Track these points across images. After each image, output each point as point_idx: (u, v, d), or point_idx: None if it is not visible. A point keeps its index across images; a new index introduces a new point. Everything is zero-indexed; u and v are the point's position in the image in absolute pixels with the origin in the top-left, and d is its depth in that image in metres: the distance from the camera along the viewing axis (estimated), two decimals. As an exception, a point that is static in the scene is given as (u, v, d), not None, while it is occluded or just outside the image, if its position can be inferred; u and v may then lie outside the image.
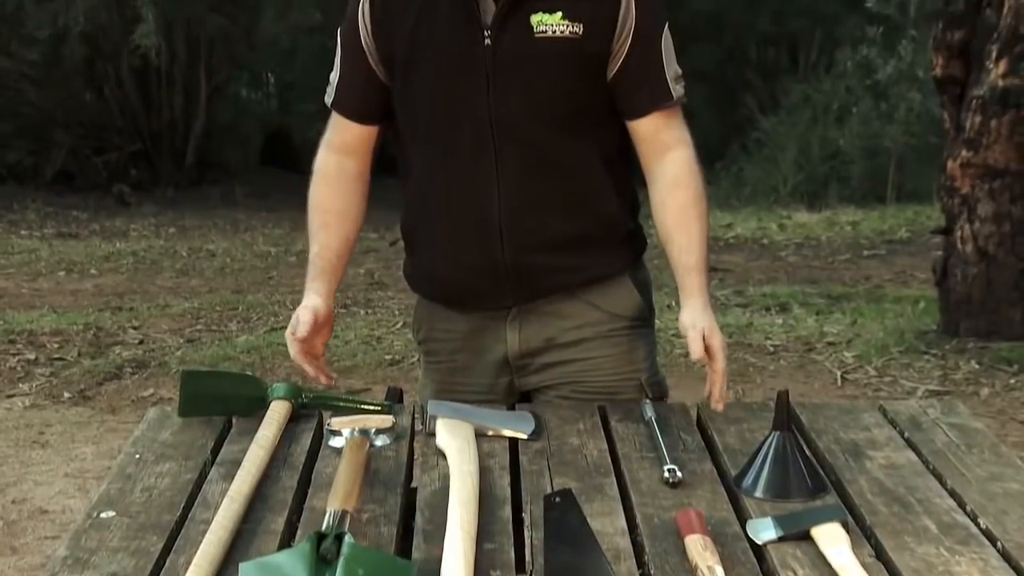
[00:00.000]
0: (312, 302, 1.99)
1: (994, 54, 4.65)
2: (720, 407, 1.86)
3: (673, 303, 5.74)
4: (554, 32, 1.87)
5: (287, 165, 13.48)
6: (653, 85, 1.92)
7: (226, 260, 8.00)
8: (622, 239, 2.04)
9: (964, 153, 4.78)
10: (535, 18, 1.87)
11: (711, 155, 10.81)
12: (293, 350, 1.98)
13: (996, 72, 4.64)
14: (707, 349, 1.84)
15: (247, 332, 5.64)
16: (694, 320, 1.87)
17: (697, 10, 13.74)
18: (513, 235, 1.94)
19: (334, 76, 2.03)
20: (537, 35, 1.87)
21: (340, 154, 2.06)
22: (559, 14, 1.87)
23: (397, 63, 1.95)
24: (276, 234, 9.26)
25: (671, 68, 1.94)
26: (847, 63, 11.02)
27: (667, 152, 1.95)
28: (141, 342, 5.50)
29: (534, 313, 2.02)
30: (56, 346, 5.43)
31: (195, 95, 11.85)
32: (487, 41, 1.88)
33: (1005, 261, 4.83)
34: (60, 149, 11.52)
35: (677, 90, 1.94)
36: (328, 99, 2.05)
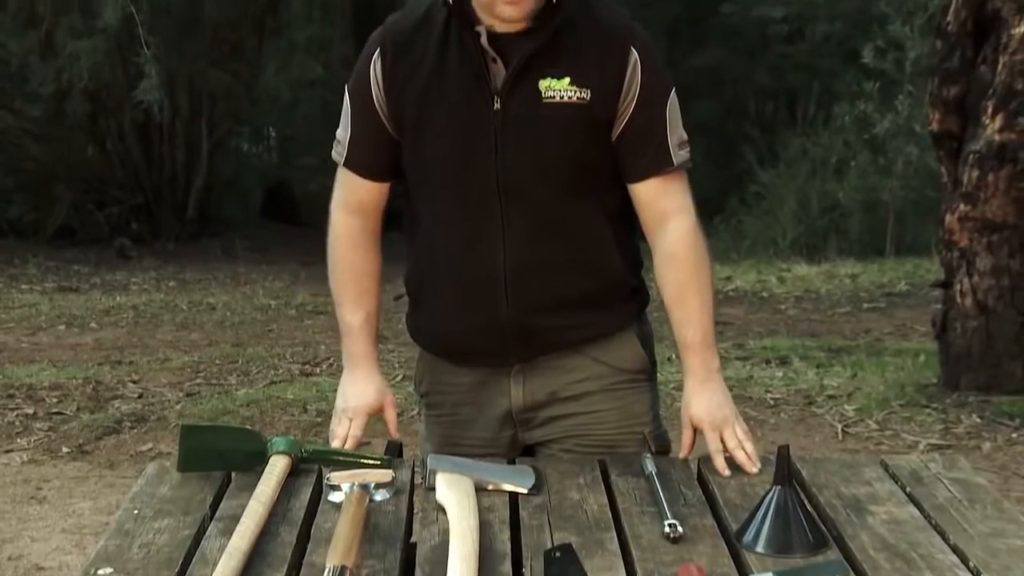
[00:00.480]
0: (388, 396, 2.07)
1: (990, 110, 4.68)
2: (754, 469, 1.89)
3: (674, 356, 5.73)
4: (562, 97, 1.89)
5: (287, 218, 13.56)
6: (655, 150, 1.93)
7: (226, 313, 8.00)
8: (625, 296, 2.05)
9: (962, 207, 4.80)
10: (543, 83, 1.89)
11: (710, 208, 10.87)
12: (352, 432, 2.03)
13: (992, 127, 4.67)
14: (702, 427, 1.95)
15: (247, 385, 5.62)
16: (687, 402, 1.98)
17: (696, 65, 13.88)
18: (518, 294, 1.95)
19: (343, 134, 2.03)
20: (545, 100, 1.89)
21: (358, 215, 2.06)
22: (567, 80, 1.89)
23: (407, 121, 1.95)
24: (276, 287, 9.27)
25: (675, 134, 1.95)
26: (845, 117, 11.11)
27: (666, 222, 1.96)
28: (140, 396, 5.48)
29: (538, 367, 2.03)
30: (55, 400, 5.41)
31: (196, 149, 11.95)
32: (496, 105, 1.89)
33: (1005, 315, 4.83)
34: (62, 203, 11.59)
35: (680, 156, 1.95)
36: (339, 158, 2.04)
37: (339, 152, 2.04)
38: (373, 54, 1.96)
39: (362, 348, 2.09)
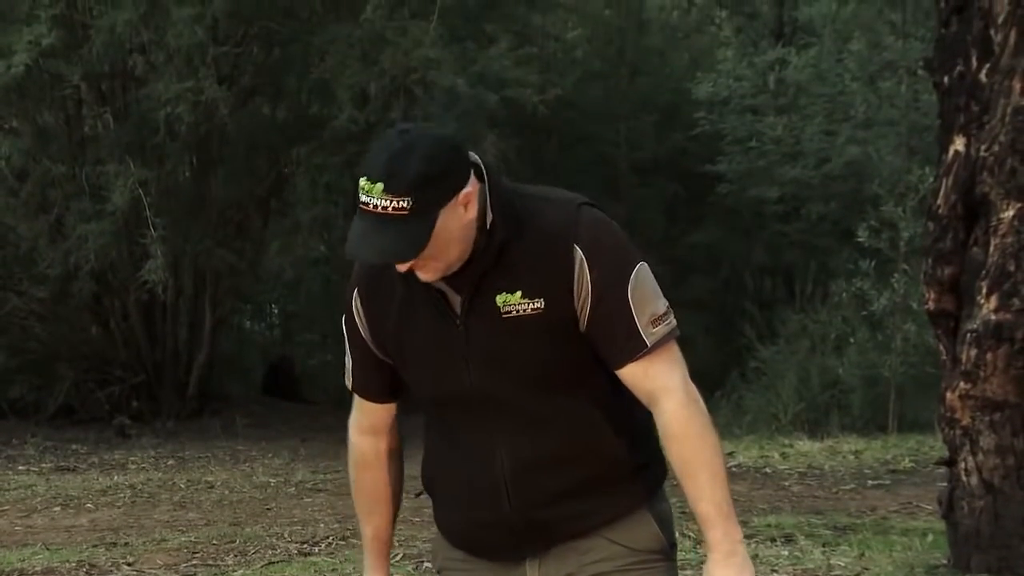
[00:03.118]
0: None
1: (984, 290, 4.73)
2: None
3: (677, 534, 5.64)
4: (518, 311, 1.92)
5: (288, 395, 13.56)
6: (624, 336, 1.93)
7: (224, 492, 7.92)
8: (630, 475, 2.03)
9: (962, 385, 4.80)
10: (499, 299, 1.93)
11: (711, 383, 10.88)
12: None
13: (988, 307, 4.72)
14: None
15: (244, 566, 5.52)
16: None
17: (694, 242, 14.14)
18: (519, 493, 1.97)
19: (348, 361, 2.11)
20: (504, 315, 1.93)
21: (370, 435, 2.13)
22: (519, 293, 1.92)
23: (391, 350, 2.04)
24: (275, 464, 9.20)
25: (644, 314, 1.94)
26: (842, 294, 11.23)
27: (656, 403, 1.96)
28: (134, 579, 5.38)
29: (552, 551, 2.02)
30: (47, 584, 5.31)
31: (199, 327, 12.01)
32: (460, 328, 1.94)
33: (1012, 495, 4.77)
34: (63, 383, 11.58)
35: (655, 333, 1.94)
36: (348, 383, 2.13)
37: (347, 377, 2.13)
38: (353, 292, 2.05)
39: (371, 561, 2.18)
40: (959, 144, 4.84)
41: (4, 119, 11.18)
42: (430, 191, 1.83)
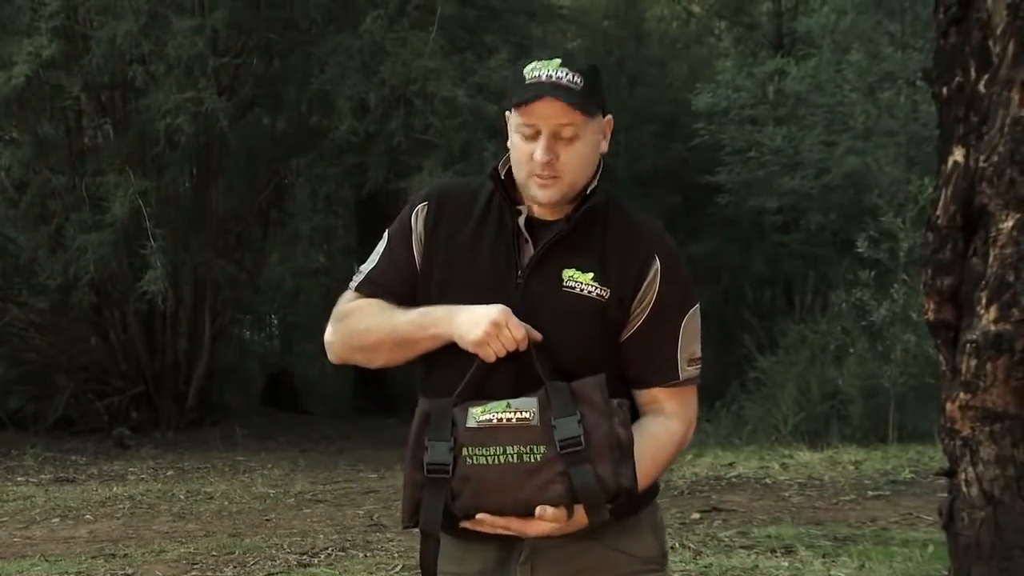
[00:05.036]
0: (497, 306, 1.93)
1: (984, 300, 4.73)
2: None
3: (677, 544, 5.64)
4: (582, 291, 1.94)
5: (287, 405, 13.57)
6: (662, 361, 1.97)
7: (224, 502, 7.91)
8: None
9: (962, 395, 4.79)
10: (567, 272, 1.95)
11: (712, 394, 10.89)
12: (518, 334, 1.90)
13: (987, 317, 4.71)
14: None
15: (243, 579, 5.51)
16: None
17: (693, 252, 14.14)
18: None
19: (367, 266, 2.08)
20: (564, 288, 1.95)
21: None
22: (591, 275, 1.95)
23: (433, 281, 2.01)
24: (275, 475, 9.19)
25: (687, 349, 1.99)
26: (842, 305, 11.23)
27: (658, 415, 1.98)
28: (134, 590, 5.37)
29: (546, 556, 1.99)
30: (46, 595, 5.29)
31: (199, 337, 12.03)
32: (519, 282, 1.95)
33: (1013, 505, 4.75)
34: (62, 394, 11.58)
35: (688, 371, 1.99)
36: (353, 284, 2.09)
37: (356, 280, 2.09)
38: (419, 204, 2.04)
39: (444, 309, 1.98)
40: (958, 155, 4.84)
41: (4, 130, 11.21)
42: (596, 83, 1.94)
